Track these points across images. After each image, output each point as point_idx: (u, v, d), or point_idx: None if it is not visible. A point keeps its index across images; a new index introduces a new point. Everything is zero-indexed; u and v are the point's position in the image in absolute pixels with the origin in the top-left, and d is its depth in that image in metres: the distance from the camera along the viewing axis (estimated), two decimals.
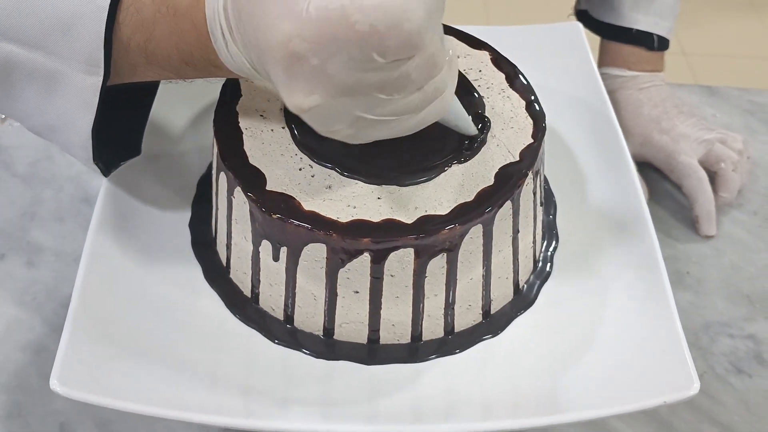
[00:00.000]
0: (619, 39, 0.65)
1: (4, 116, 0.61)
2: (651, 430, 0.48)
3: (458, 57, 0.49)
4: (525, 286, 0.47)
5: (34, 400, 0.48)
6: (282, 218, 0.40)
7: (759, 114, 0.68)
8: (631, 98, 0.63)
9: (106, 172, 0.44)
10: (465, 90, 0.47)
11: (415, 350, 0.44)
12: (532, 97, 0.47)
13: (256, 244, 0.43)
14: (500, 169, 0.43)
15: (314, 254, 0.41)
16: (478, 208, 0.41)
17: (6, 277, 0.53)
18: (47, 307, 0.52)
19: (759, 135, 0.67)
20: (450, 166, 0.43)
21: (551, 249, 0.49)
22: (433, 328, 0.44)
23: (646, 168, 0.62)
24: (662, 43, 0.65)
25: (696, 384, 0.40)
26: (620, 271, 0.47)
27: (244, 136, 0.44)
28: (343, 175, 0.42)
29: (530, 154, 0.44)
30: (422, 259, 0.41)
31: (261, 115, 0.45)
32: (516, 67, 0.49)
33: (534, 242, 0.47)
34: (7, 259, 0.54)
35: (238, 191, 0.42)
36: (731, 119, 0.68)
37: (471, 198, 0.42)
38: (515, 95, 0.47)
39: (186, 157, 0.52)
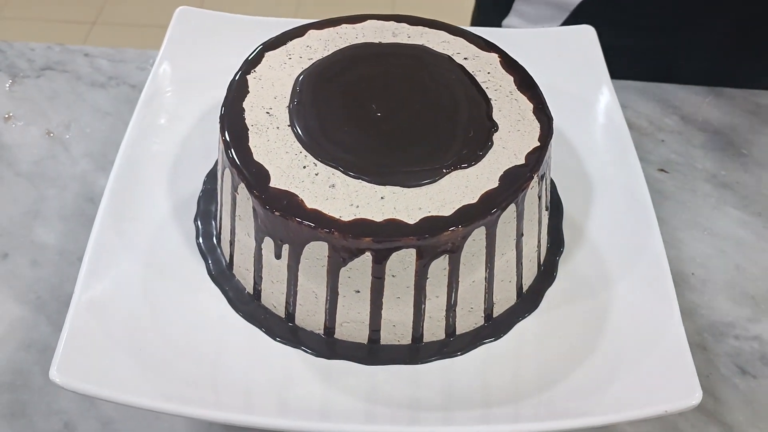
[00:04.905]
0: None
1: (7, 115, 0.61)
2: (655, 431, 0.48)
3: (466, 59, 0.49)
4: (529, 290, 0.47)
5: (38, 399, 0.47)
6: (284, 215, 0.40)
7: (763, 115, 0.67)
8: None
9: None
10: (473, 92, 0.47)
11: (416, 351, 0.44)
12: (541, 101, 0.47)
13: (259, 241, 0.43)
14: (505, 171, 0.43)
15: (316, 252, 0.41)
16: (482, 210, 0.41)
17: (10, 275, 0.53)
18: (51, 306, 0.51)
19: (762, 136, 0.66)
20: (456, 169, 0.43)
21: (556, 254, 0.48)
22: (434, 330, 0.44)
23: (652, 170, 0.62)
24: None
25: (698, 394, 0.40)
26: (625, 278, 0.47)
27: (249, 132, 0.44)
28: (347, 175, 0.42)
29: (536, 158, 0.43)
30: (424, 260, 0.41)
31: (267, 113, 0.45)
32: (525, 69, 0.49)
33: (539, 246, 0.47)
34: (10, 258, 0.54)
35: (242, 187, 0.42)
36: (734, 120, 0.67)
37: (475, 200, 0.41)
38: (523, 98, 0.47)
39: (193, 152, 0.52)
